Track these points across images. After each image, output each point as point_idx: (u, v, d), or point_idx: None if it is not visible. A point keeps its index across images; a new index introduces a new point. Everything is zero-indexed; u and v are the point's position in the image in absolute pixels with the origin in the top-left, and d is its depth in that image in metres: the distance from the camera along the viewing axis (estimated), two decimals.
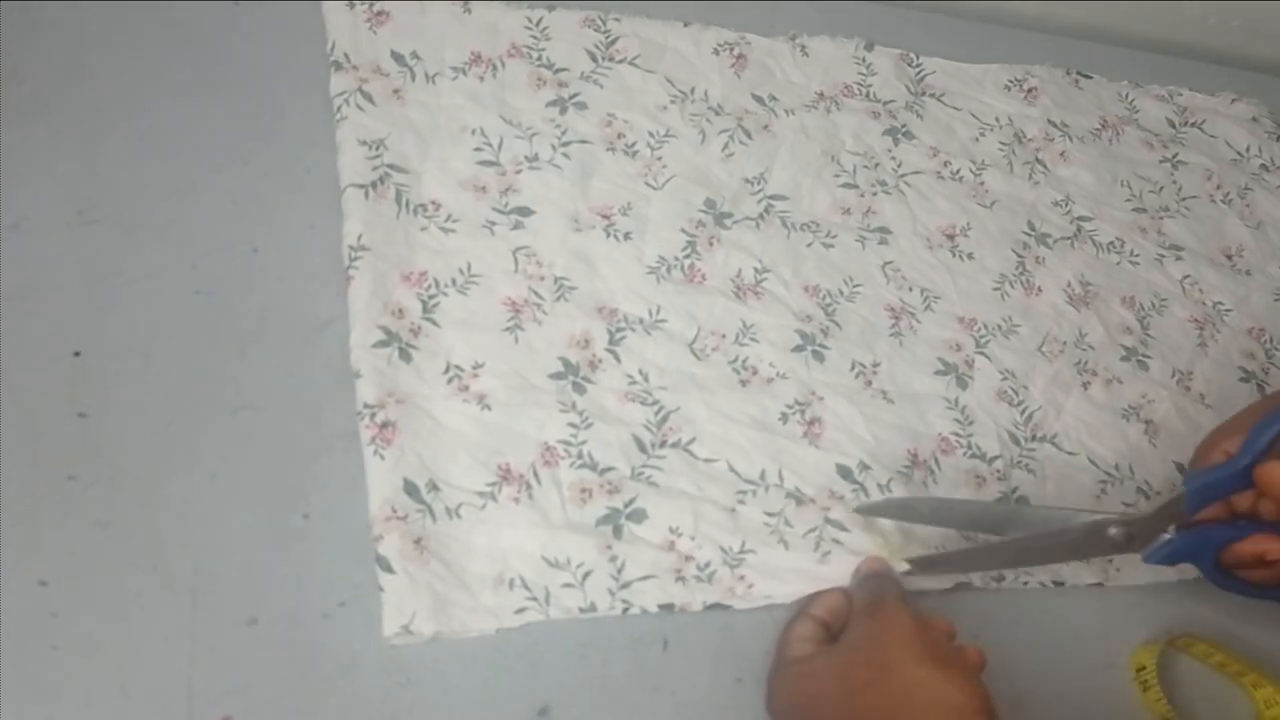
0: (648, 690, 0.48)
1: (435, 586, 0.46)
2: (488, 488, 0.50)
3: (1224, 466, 0.49)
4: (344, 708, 0.44)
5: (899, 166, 0.69)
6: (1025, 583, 0.56)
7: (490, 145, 0.60)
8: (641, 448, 0.53)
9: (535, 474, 0.51)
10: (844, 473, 0.56)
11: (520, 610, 0.47)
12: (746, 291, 0.60)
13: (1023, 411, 0.62)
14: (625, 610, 0.49)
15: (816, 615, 0.49)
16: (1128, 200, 0.74)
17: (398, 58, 0.60)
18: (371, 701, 0.44)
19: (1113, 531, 0.50)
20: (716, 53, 0.68)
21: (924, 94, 0.73)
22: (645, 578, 0.50)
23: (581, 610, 0.48)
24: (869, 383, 0.60)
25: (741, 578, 0.51)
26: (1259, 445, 0.49)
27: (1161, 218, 0.74)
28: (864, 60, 0.73)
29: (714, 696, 0.49)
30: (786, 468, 0.55)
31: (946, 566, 0.53)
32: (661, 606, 0.49)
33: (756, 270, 0.61)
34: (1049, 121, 0.75)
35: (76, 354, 0.48)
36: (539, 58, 0.64)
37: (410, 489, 0.48)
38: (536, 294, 0.56)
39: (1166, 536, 0.50)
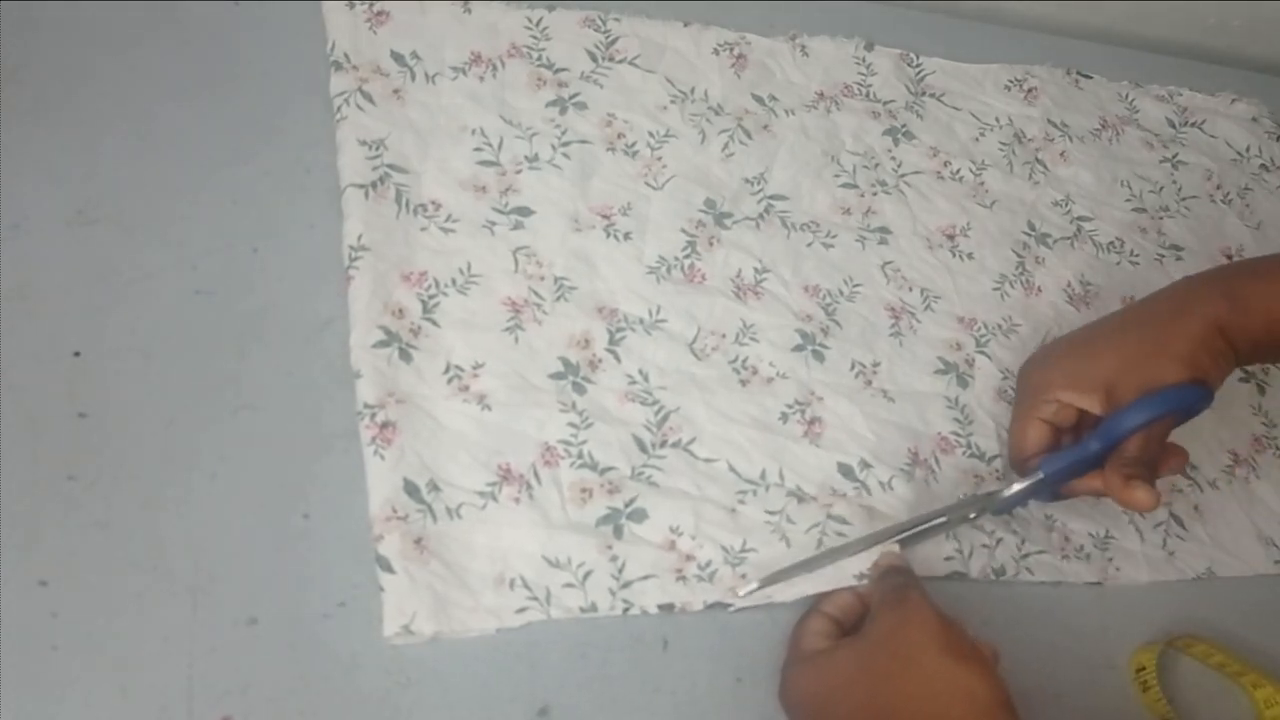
0: (648, 690, 0.48)
1: (436, 586, 0.46)
2: (488, 488, 0.50)
3: (1079, 449, 0.53)
4: (344, 708, 0.44)
5: (899, 166, 0.69)
6: (1028, 576, 0.56)
7: (490, 145, 0.60)
8: (642, 447, 0.53)
9: (535, 474, 0.51)
10: (845, 471, 0.56)
11: (521, 610, 0.47)
12: (746, 291, 0.60)
13: None
14: (626, 610, 0.49)
15: (829, 612, 0.50)
16: (1128, 200, 0.74)
17: (398, 58, 0.60)
18: (371, 701, 0.44)
19: (972, 515, 0.54)
20: (716, 53, 0.68)
21: (924, 94, 0.73)
22: (646, 577, 0.50)
23: (582, 610, 0.48)
24: (869, 382, 0.60)
25: (743, 576, 0.51)
26: (1116, 434, 0.52)
27: (1161, 218, 0.74)
28: (864, 60, 0.73)
29: (714, 696, 0.49)
30: (787, 467, 0.55)
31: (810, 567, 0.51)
32: (661, 607, 0.49)
33: (756, 270, 0.61)
34: (1049, 121, 0.75)
35: (76, 354, 0.48)
36: (539, 58, 0.64)
37: (410, 489, 0.48)
38: (536, 294, 0.56)
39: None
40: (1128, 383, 0.52)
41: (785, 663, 0.49)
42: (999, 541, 0.56)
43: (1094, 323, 0.57)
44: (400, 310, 0.53)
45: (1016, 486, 0.54)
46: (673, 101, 0.65)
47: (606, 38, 0.66)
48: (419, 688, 0.45)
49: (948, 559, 0.55)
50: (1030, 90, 0.76)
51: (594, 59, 0.65)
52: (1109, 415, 0.52)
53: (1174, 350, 0.52)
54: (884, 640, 0.45)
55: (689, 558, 0.51)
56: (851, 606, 0.50)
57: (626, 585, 0.49)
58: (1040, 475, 0.53)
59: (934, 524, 0.53)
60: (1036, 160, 0.73)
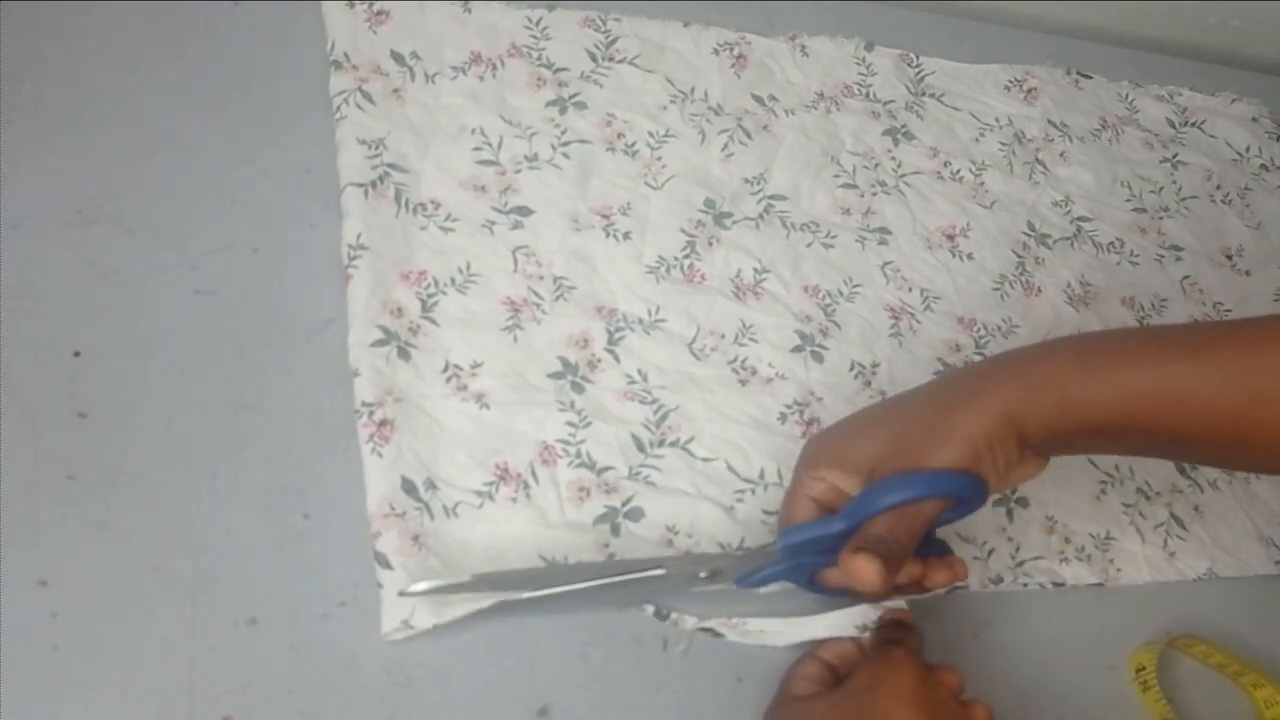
0: (648, 690, 0.48)
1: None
2: (485, 487, 0.50)
3: (822, 525, 0.47)
4: (344, 707, 0.44)
5: (899, 167, 0.69)
6: (1025, 584, 0.56)
7: (490, 145, 0.60)
8: (640, 447, 0.53)
9: (533, 473, 0.51)
10: None
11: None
12: (746, 291, 0.60)
13: None
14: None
15: (824, 658, 0.48)
16: (1128, 200, 0.74)
17: (397, 57, 0.60)
18: (371, 701, 0.44)
19: (702, 575, 0.48)
20: (716, 53, 0.68)
21: (924, 94, 0.73)
22: None
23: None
24: (868, 383, 0.60)
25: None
26: (863, 513, 0.45)
27: (1161, 218, 0.74)
28: (864, 60, 0.73)
29: (714, 696, 0.49)
30: (785, 466, 0.55)
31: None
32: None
33: (756, 270, 0.61)
34: (1049, 122, 0.76)
35: (76, 354, 0.48)
36: (539, 57, 0.64)
37: (408, 486, 0.48)
38: (536, 293, 0.56)
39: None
40: (891, 465, 0.46)
41: (771, 703, 0.48)
42: (990, 552, 0.56)
43: (885, 400, 0.52)
44: (399, 309, 0.53)
45: (754, 554, 0.48)
46: (673, 101, 0.65)
47: (606, 38, 0.66)
48: (419, 687, 0.45)
49: None
50: (1030, 90, 0.76)
51: (594, 59, 0.65)
52: (858, 495, 0.46)
53: (946, 434, 0.45)
54: (858, 696, 0.44)
55: (686, 553, 0.51)
56: (849, 655, 0.49)
57: None
58: (776, 544, 0.47)
59: (647, 575, 0.47)
60: (1036, 160, 0.73)
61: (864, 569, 0.43)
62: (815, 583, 0.49)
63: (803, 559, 0.47)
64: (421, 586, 0.44)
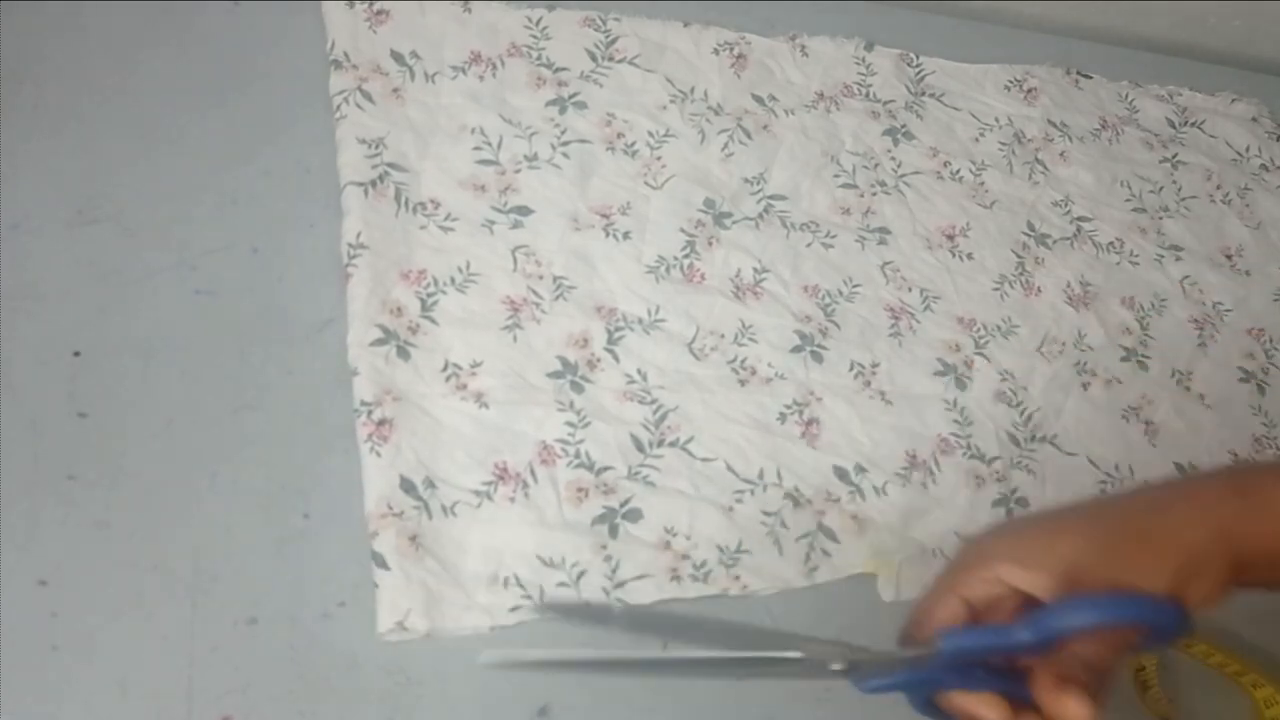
0: (648, 690, 0.48)
1: (429, 583, 0.46)
2: (484, 486, 0.50)
3: (999, 633, 0.40)
4: (344, 707, 0.44)
5: (898, 167, 0.69)
6: None
7: (489, 144, 0.60)
8: (639, 447, 0.53)
9: (532, 472, 0.51)
10: (841, 474, 0.56)
11: (515, 608, 0.47)
12: (745, 291, 0.60)
13: (1022, 412, 0.62)
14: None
15: None
16: (1127, 200, 0.74)
17: (397, 57, 0.60)
18: (371, 701, 0.44)
19: (835, 666, 0.40)
20: (716, 53, 0.68)
21: (924, 94, 0.73)
22: (640, 577, 0.50)
23: None
24: (868, 383, 0.60)
25: (737, 578, 0.51)
26: (1056, 629, 0.39)
27: (1161, 218, 0.74)
28: (864, 60, 0.73)
29: (714, 696, 0.49)
30: (785, 467, 0.55)
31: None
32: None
33: (756, 270, 0.61)
34: (1049, 121, 0.75)
35: (76, 354, 0.48)
36: (539, 57, 0.64)
37: (407, 486, 0.48)
38: (535, 293, 0.56)
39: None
40: (1095, 572, 0.40)
41: None
42: None
43: (1076, 502, 0.46)
44: (399, 308, 0.53)
45: (903, 656, 0.41)
46: (672, 101, 0.65)
47: (606, 37, 0.66)
48: (419, 687, 0.45)
49: None
50: (1030, 90, 0.76)
51: (594, 59, 0.65)
52: (1049, 605, 0.40)
53: (1159, 546, 0.40)
54: None
55: (684, 557, 0.51)
56: None
57: (620, 585, 0.49)
58: (938, 648, 0.40)
59: (780, 656, 0.39)
60: (1036, 160, 0.73)
61: (1071, 708, 0.37)
62: (931, 705, 0.42)
63: (933, 674, 0.41)
64: (489, 659, 0.37)
